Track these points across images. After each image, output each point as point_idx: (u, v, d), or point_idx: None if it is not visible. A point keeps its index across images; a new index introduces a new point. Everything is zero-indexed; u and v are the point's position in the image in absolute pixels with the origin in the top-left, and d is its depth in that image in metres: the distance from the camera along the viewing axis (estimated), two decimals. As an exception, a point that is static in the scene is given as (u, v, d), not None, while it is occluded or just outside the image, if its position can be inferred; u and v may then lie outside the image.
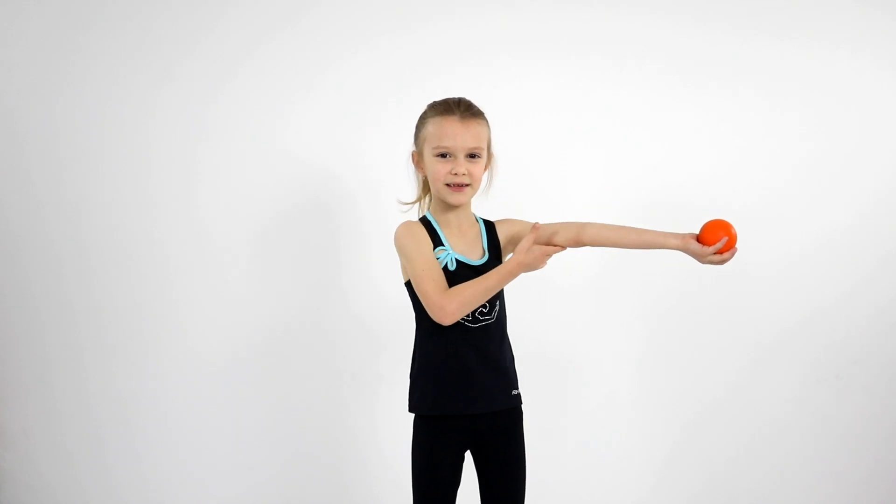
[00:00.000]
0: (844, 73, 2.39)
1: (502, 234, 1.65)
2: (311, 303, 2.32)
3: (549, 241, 1.57)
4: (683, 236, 1.52)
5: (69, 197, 2.27)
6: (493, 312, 1.57)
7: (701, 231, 1.51)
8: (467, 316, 1.53)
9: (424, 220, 1.61)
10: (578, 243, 1.59)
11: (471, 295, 1.49)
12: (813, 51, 2.38)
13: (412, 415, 1.61)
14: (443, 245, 1.57)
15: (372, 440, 2.32)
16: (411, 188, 1.70)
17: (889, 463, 2.44)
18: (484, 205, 1.67)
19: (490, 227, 1.66)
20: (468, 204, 1.62)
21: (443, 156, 1.55)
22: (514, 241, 1.63)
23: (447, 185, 1.55)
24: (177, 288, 2.29)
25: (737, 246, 1.50)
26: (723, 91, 2.37)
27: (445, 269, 1.54)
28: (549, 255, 1.49)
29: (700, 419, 2.41)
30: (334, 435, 2.33)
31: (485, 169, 1.61)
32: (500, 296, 1.59)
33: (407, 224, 1.59)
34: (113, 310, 2.29)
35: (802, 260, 2.41)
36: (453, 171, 1.54)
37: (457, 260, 1.56)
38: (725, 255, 1.50)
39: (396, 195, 1.70)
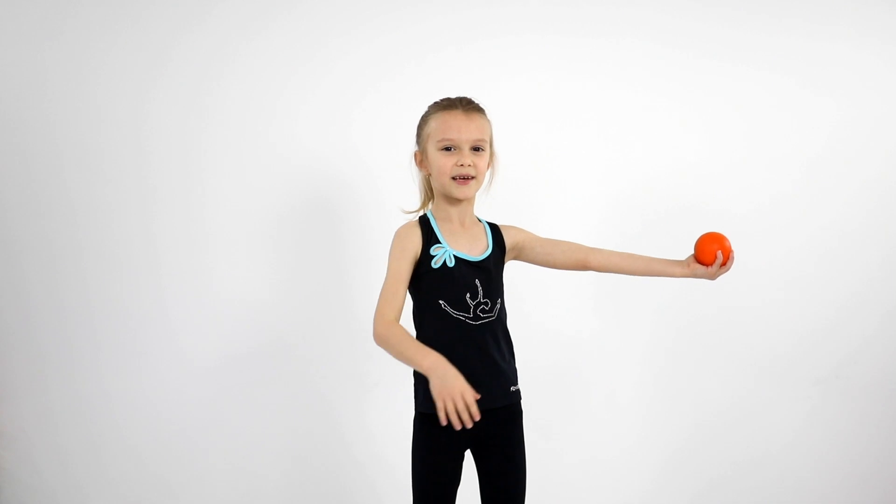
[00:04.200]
0: (844, 66, 2.39)
1: (508, 238, 1.66)
2: (309, 304, 2.31)
3: (550, 256, 1.67)
4: (688, 263, 1.64)
5: (65, 198, 2.25)
6: (495, 310, 1.57)
7: (696, 251, 1.63)
8: (469, 313, 1.54)
9: (423, 219, 1.61)
10: (584, 266, 1.68)
11: (397, 344, 1.44)
12: (811, 44, 2.38)
13: (411, 415, 1.61)
14: (440, 243, 1.57)
15: (371, 442, 2.32)
16: (414, 189, 1.69)
17: (889, 463, 2.44)
18: (484, 204, 1.67)
19: (495, 228, 1.67)
20: (471, 201, 1.63)
21: (447, 149, 1.56)
22: (518, 249, 1.68)
23: (453, 178, 1.56)
24: (173, 289, 2.28)
25: (732, 249, 1.60)
26: (725, 86, 2.37)
27: (444, 265, 1.54)
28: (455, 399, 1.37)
29: (700, 421, 2.41)
30: (332, 436, 2.32)
31: (487, 166, 1.62)
32: (500, 293, 1.60)
33: (403, 228, 1.59)
34: (110, 310, 2.27)
35: (803, 262, 2.41)
36: (459, 163, 1.55)
37: (455, 256, 1.56)
38: (728, 264, 1.61)
39: (398, 194, 1.70)
